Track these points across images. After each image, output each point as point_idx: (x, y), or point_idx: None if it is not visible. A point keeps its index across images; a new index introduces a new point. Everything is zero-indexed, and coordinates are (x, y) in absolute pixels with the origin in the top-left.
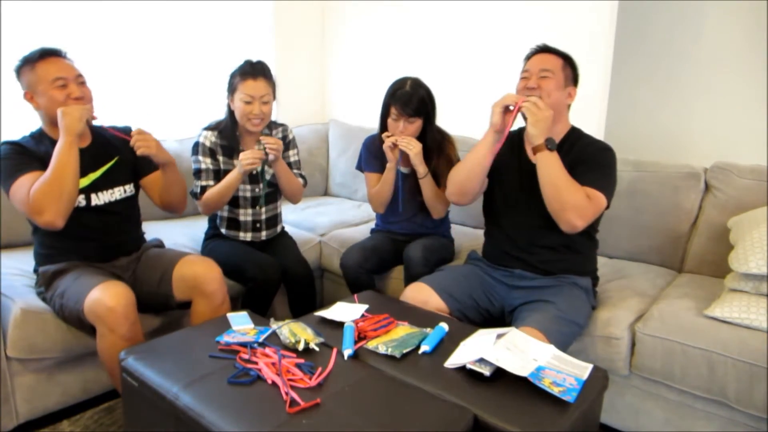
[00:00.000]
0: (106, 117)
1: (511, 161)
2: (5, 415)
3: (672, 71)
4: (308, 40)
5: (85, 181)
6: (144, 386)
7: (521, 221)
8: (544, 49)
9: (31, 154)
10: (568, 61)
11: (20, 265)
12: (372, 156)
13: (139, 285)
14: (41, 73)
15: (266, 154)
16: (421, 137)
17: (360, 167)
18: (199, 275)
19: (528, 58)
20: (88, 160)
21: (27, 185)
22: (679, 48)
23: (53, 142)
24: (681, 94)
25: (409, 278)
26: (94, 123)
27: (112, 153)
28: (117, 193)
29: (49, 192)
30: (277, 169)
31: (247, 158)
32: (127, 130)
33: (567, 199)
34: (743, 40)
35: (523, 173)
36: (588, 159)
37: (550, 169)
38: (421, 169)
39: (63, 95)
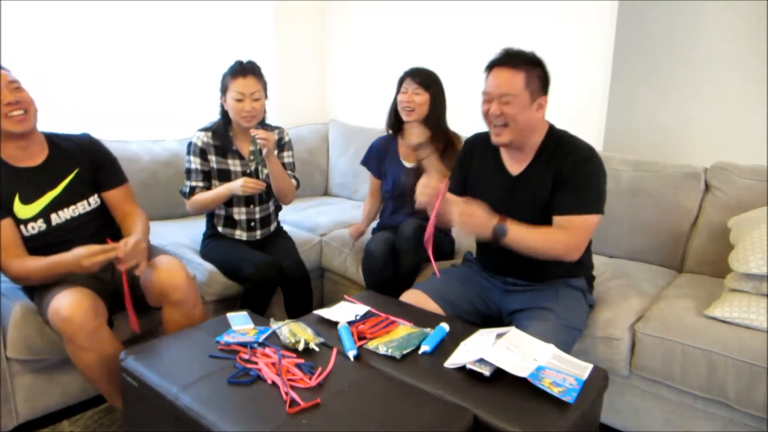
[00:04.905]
0: (110, 121)
1: (494, 175)
2: (5, 415)
3: (672, 71)
4: (308, 40)
5: (43, 202)
6: (144, 386)
7: None
8: (503, 62)
9: None
10: (534, 69)
11: None
12: (373, 155)
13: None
14: None
15: (255, 144)
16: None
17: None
18: (164, 284)
19: (488, 69)
20: (44, 176)
21: None
22: (679, 48)
23: (4, 166)
24: (681, 93)
25: (399, 256)
26: (47, 132)
27: (71, 165)
28: (80, 208)
29: (28, 279)
30: (269, 164)
31: (249, 186)
32: (83, 138)
33: (552, 253)
34: (743, 39)
35: (505, 188)
36: (568, 179)
37: (519, 245)
38: (422, 154)
39: None
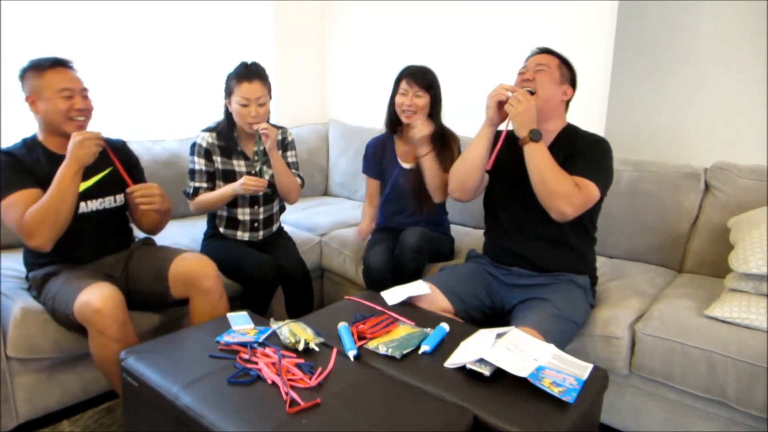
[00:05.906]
0: (110, 121)
1: (509, 154)
2: (5, 415)
3: (672, 71)
4: (308, 40)
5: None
6: (144, 386)
7: (519, 214)
8: (543, 50)
9: (24, 166)
10: (565, 63)
11: (20, 266)
12: (370, 158)
13: (133, 283)
14: (50, 81)
15: (259, 138)
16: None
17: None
18: (195, 272)
19: (527, 59)
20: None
21: (19, 204)
22: (679, 48)
23: (45, 152)
24: (681, 93)
25: (400, 263)
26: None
27: (106, 163)
28: (107, 203)
29: (44, 218)
30: (271, 159)
31: (250, 184)
32: (118, 142)
33: (554, 187)
34: (743, 39)
35: (520, 165)
36: (578, 152)
37: (536, 160)
38: (423, 149)
39: (67, 105)
